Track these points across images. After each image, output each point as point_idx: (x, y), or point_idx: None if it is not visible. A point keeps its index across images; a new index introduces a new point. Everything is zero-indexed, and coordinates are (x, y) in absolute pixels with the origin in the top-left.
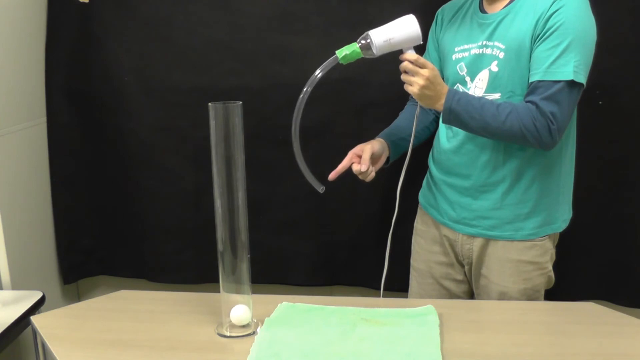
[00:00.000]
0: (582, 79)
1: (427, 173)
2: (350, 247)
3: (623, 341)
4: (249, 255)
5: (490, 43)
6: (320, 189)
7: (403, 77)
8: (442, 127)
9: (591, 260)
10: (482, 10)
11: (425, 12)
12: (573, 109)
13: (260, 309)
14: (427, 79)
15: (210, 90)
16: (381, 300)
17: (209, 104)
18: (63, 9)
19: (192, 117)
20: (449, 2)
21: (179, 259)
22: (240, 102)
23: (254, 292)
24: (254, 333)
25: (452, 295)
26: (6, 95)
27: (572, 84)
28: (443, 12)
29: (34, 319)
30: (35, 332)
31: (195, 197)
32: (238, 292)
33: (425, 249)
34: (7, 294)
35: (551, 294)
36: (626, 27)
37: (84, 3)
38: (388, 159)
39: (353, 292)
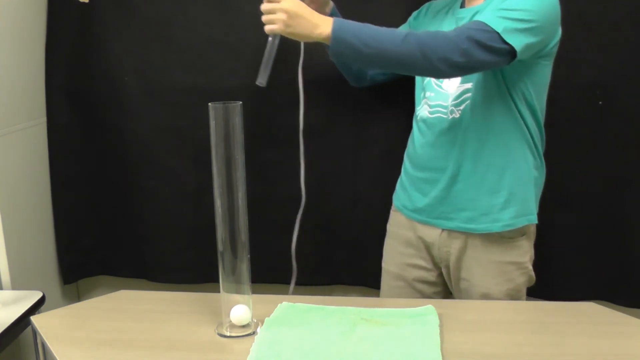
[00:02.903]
0: (512, 40)
1: (402, 175)
2: (350, 247)
3: (623, 341)
4: (249, 255)
5: None
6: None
7: (263, 18)
8: (415, 125)
9: (591, 260)
10: (463, 7)
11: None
12: (488, 57)
13: (261, 309)
14: (287, 11)
15: (210, 90)
16: (381, 300)
17: (209, 104)
18: (63, 9)
19: (192, 117)
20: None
21: (179, 259)
22: (240, 102)
23: (253, 292)
24: (254, 333)
25: (424, 297)
26: (6, 95)
27: (499, 38)
28: (430, 6)
29: (34, 319)
30: (35, 332)
31: (195, 197)
32: (238, 292)
33: (399, 252)
34: (7, 294)
35: (551, 294)
36: (626, 27)
37: (84, 3)
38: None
39: (353, 292)
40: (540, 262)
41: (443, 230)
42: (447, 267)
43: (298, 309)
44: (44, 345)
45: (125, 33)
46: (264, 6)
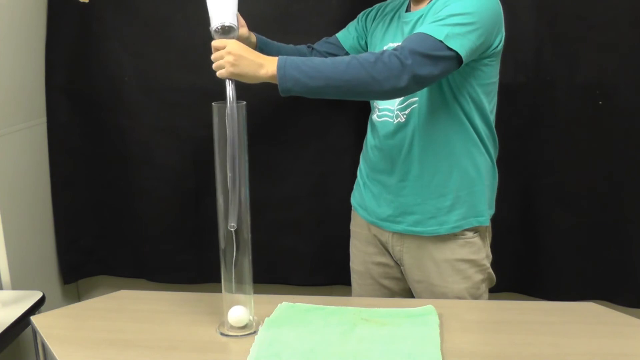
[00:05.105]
0: (456, 46)
1: (358, 174)
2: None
3: (623, 341)
4: (250, 255)
5: None
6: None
7: (213, 66)
8: (368, 128)
9: (591, 260)
10: (408, 10)
11: None
12: (435, 69)
13: (261, 308)
14: (231, 52)
15: (210, 90)
16: (381, 300)
17: (213, 103)
18: (63, 9)
19: (192, 117)
20: (390, 1)
21: (179, 259)
22: (244, 102)
23: (254, 291)
24: (255, 332)
25: (393, 294)
26: (6, 95)
27: (443, 46)
28: (381, 7)
29: (34, 319)
30: (35, 332)
31: (195, 197)
32: (240, 291)
33: (362, 251)
34: (7, 294)
35: (551, 294)
36: (626, 27)
37: (84, 3)
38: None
39: None
40: (540, 262)
41: (394, 233)
42: (404, 266)
43: (298, 309)
44: (44, 345)
45: (125, 33)
46: (213, 56)
